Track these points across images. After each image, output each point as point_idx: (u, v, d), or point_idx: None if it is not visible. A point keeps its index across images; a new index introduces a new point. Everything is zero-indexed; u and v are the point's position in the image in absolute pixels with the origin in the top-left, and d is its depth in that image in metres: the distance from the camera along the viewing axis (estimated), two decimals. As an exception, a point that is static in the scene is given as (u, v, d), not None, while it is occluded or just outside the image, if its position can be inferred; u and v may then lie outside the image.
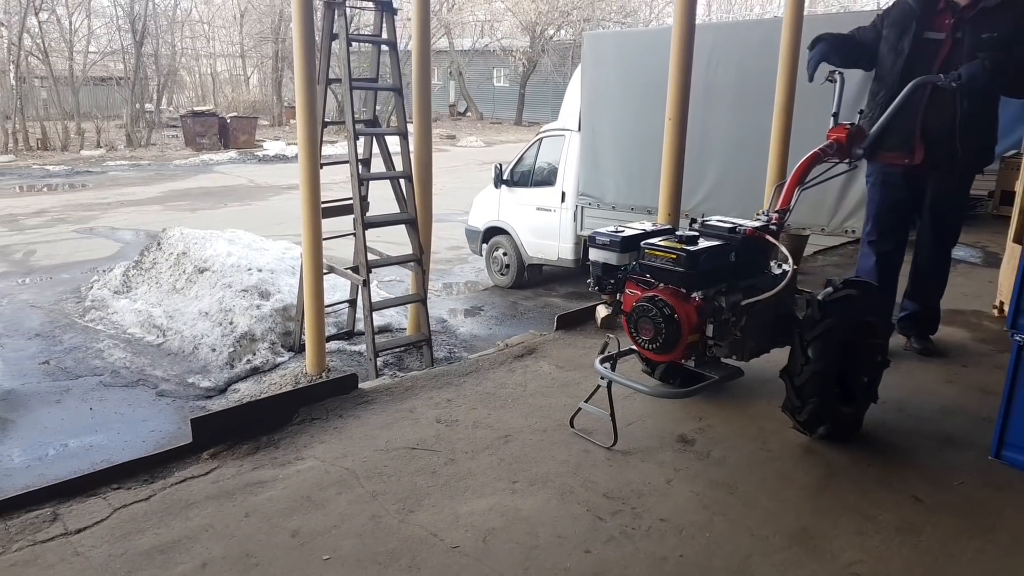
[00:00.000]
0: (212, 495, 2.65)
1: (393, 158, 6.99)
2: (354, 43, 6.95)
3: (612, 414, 3.15)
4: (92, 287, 8.50)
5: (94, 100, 24.92)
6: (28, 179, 17.46)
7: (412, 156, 6.66)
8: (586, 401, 3.27)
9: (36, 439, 5.45)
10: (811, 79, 3.81)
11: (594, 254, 3.23)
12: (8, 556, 2.27)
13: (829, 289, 3.10)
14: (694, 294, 2.97)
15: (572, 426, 3.32)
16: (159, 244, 8.97)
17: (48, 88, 23.44)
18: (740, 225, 3.13)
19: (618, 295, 3.23)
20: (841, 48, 3.82)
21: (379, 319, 8.06)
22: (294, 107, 6.52)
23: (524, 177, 9.87)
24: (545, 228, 9.67)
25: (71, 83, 23.26)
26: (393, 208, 7.03)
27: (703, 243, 3.02)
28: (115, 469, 2.70)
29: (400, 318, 8.17)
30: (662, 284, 3.03)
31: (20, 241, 10.81)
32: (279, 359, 7.42)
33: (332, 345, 7.25)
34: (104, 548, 2.32)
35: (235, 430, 2.99)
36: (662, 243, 3.02)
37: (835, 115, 3.59)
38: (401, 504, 2.69)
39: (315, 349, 6.27)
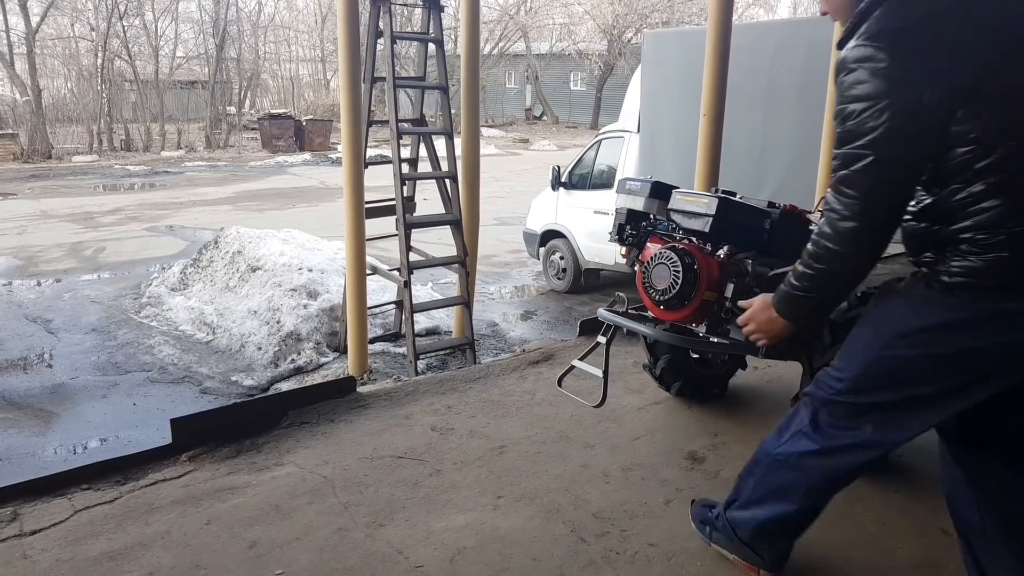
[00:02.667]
0: (178, 500, 2.58)
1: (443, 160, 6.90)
2: (404, 43, 6.91)
3: (606, 371, 2.95)
4: (151, 284, 8.73)
5: (179, 103, 25.96)
6: (109, 178, 18.25)
7: (459, 156, 6.56)
8: (581, 359, 3.06)
9: (77, 433, 5.57)
10: None
11: (620, 200, 3.10)
12: (-45, 556, 2.24)
13: (844, 306, 2.75)
14: (719, 250, 2.79)
15: (560, 386, 3.11)
16: (216, 243, 9.14)
17: (135, 91, 24.53)
18: (781, 203, 2.97)
19: (638, 250, 3.05)
20: None
21: (427, 321, 7.99)
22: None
23: (582, 180, 9.65)
24: (603, 232, 9.39)
25: (156, 86, 24.28)
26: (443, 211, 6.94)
27: (739, 200, 2.88)
28: (88, 468, 2.66)
29: (449, 321, 8.09)
30: (687, 240, 2.90)
31: (92, 238, 11.26)
32: (323, 359, 7.42)
33: (377, 347, 7.21)
34: (54, 552, 2.27)
35: (217, 432, 2.92)
36: (694, 191, 2.94)
37: None
38: (373, 517, 2.55)
39: (357, 350, 6.23)
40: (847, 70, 1.69)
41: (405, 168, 6.56)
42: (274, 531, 2.44)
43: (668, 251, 2.79)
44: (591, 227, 9.64)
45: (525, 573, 2.30)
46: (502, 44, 35.02)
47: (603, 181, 9.55)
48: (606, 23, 34.51)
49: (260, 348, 7.39)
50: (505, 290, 10.17)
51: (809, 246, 1.86)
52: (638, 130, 8.89)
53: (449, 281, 9.66)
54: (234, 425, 2.97)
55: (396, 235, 6.58)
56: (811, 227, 2.75)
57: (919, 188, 1.76)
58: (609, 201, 9.38)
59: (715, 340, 2.86)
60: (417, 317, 6.63)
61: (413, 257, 6.50)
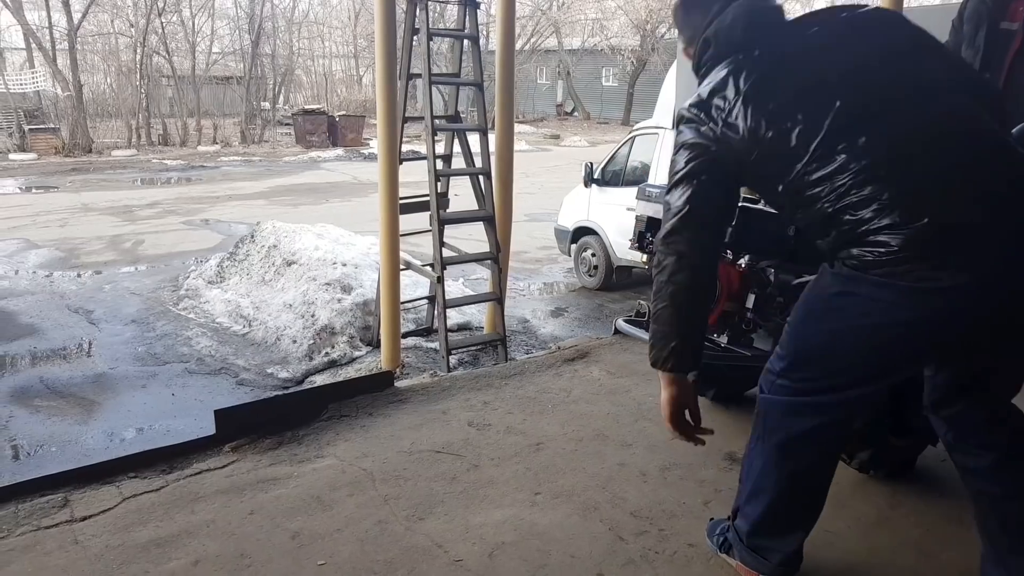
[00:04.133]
0: (223, 489, 2.62)
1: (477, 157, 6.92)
2: (436, 40, 6.93)
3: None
4: (188, 276, 8.87)
5: (214, 98, 26.34)
6: (146, 173, 18.56)
7: (493, 153, 6.57)
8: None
9: (118, 421, 5.68)
10: None
11: (641, 207, 3.05)
12: (9, 540, 2.31)
13: None
14: (740, 259, 2.70)
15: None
16: (252, 237, 9.26)
17: (172, 87, 24.92)
18: None
19: None
20: None
21: (459, 317, 8.01)
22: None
23: (615, 176, 9.61)
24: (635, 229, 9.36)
25: (193, 82, 24.65)
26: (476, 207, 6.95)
27: (760, 206, 2.76)
28: (135, 457, 2.72)
29: (481, 316, 8.11)
30: None
31: (131, 231, 11.47)
32: (356, 353, 7.49)
33: (409, 341, 7.26)
34: (103, 538, 2.32)
35: (260, 424, 2.96)
36: None
37: None
38: (412, 510, 2.57)
39: (390, 345, 6.27)
40: None
41: (439, 164, 6.59)
42: (315, 522, 2.48)
43: None
44: (623, 224, 9.58)
45: (564, 570, 2.31)
46: (534, 40, 34.92)
47: (636, 178, 9.49)
48: (639, 18, 34.26)
49: (295, 341, 7.47)
50: (536, 287, 10.17)
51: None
52: (673, 126, 8.81)
53: (480, 277, 9.69)
54: (276, 417, 3.01)
55: (429, 231, 6.62)
56: None
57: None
58: (643, 198, 9.35)
59: (726, 348, 2.81)
60: (449, 312, 6.66)
61: (446, 253, 6.52)
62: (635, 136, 9.60)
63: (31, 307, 7.95)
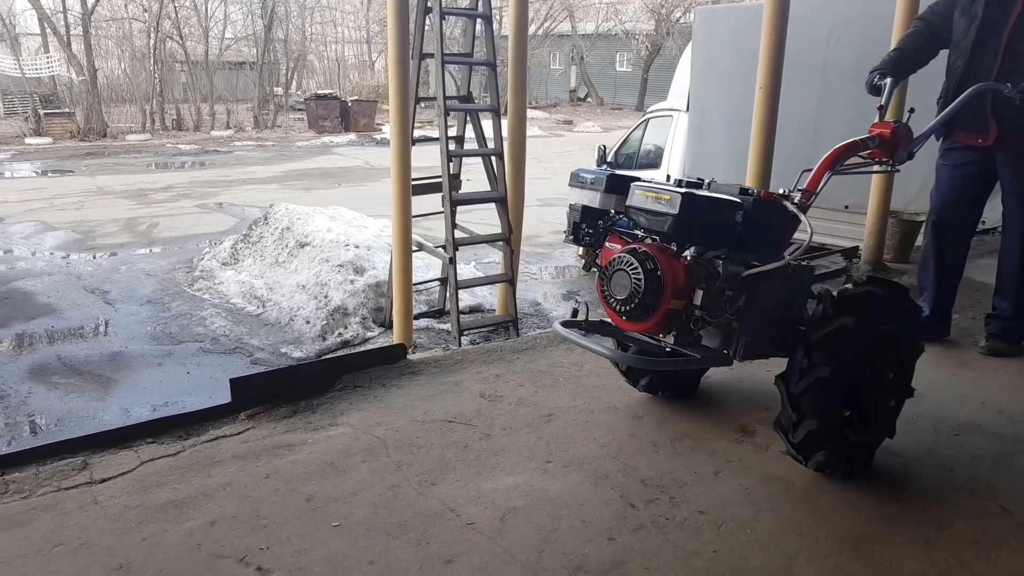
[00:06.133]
0: (238, 455, 2.67)
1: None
2: (452, 24, 6.92)
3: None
4: (203, 258, 8.94)
5: (228, 83, 26.40)
6: (161, 157, 18.69)
7: (505, 134, 6.57)
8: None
9: (135, 398, 5.75)
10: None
11: (574, 195, 2.74)
12: (31, 500, 2.36)
13: (848, 285, 2.62)
14: (686, 251, 2.47)
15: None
16: (266, 219, 9.31)
17: (186, 72, 25.00)
18: (755, 189, 2.63)
19: (597, 251, 2.74)
20: (901, 68, 3.68)
21: (470, 299, 8.04)
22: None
23: (628, 159, 9.59)
24: None
25: (206, 67, 24.72)
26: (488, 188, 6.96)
27: (706, 192, 2.57)
28: (152, 423, 2.77)
29: (492, 299, 8.13)
30: (650, 239, 2.57)
31: (146, 214, 11.56)
32: (369, 334, 7.54)
33: (421, 323, 7.30)
34: (122, 499, 2.37)
35: (274, 393, 3.00)
36: (654, 184, 2.54)
37: (882, 109, 3.19)
38: (424, 476, 2.61)
39: (402, 325, 6.30)
40: None
41: (451, 146, 6.60)
42: (330, 486, 2.51)
43: (628, 255, 2.47)
44: (636, 207, 9.55)
45: (575, 534, 2.33)
46: (547, 24, 34.71)
47: (650, 161, 9.46)
48: (654, 3, 33.98)
49: (308, 322, 7.52)
50: (547, 270, 10.17)
51: None
52: (687, 109, 8.77)
53: (491, 261, 9.70)
54: (290, 386, 3.05)
55: (439, 213, 6.63)
56: (789, 213, 2.56)
57: None
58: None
59: (673, 359, 2.58)
60: (461, 295, 6.68)
61: (458, 234, 6.54)
62: (649, 119, 9.56)
63: (48, 287, 8.04)
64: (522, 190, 6.74)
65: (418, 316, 7.06)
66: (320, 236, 8.70)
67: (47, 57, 23.42)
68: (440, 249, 6.88)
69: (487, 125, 6.87)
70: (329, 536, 2.26)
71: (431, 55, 6.62)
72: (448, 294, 7.02)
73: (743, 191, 2.58)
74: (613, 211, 2.70)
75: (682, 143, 8.77)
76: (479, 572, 2.15)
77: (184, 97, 24.51)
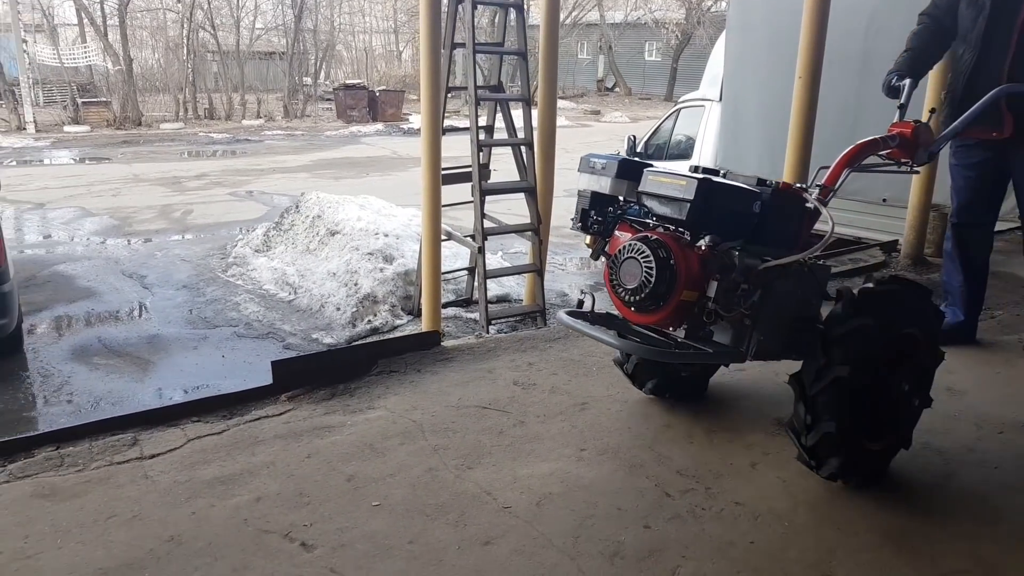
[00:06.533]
0: (281, 435, 2.73)
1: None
2: (480, 14, 6.93)
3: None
4: (236, 245, 9.07)
5: (258, 73, 26.67)
6: (193, 145, 18.99)
7: (535, 124, 6.57)
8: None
9: (172, 380, 5.88)
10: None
11: (583, 181, 2.64)
12: (85, 473, 2.44)
13: (869, 284, 2.53)
14: (700, 241, 2.36)
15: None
16: (297, 207, 9.42)
17: (217, 62, 25.28)
18: (773, 180, 2.52)
19: (605, 240, 2.62)
20: (918, 67, 3.54)
21: (498, 288, 8.07)
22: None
23: (658, 150, 9.54)
24: None
25: (237, 57, 24.98)
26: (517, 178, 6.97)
27: (724, 180, 2.45)
28: (198, 403, 2.84)
29: (520, 290, 8.16)
30: (662, 228, 2.46)
31: (180, 201, 11.74)
32: (398, 321, 7.61)
33: (449, 311, 7.35)
34: (171, 474, 2.44)
35: (314, 375, 3.06)
36: (671, 169, 2.43)
37: (902, 107, 3.10)
38: (461, 460, 2.65)
39: (430, 313, 6.33)
40: None
41: (481, 135, 6.62)
42: (369, 467, 2.57)
43: (639, 243, 2.35)
44: (665, 199, 9.50)
45: (610, 521, 2.36)
46: (575, 13, 34.46)
47: (681, 151, 9.40)
48: (685, -10, 33.63)
49: (339, 308, 7.61)
50: (573, 261, 10.17)
51: None
52: (720, 99, 8.69)
53: (519, 251, 9.73)
54: (329, 370, 3.11)
55: (467, 203, 6.67)
56: (807, 205, 2.47)
57: None
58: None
59: (685, 351, 2.44)
60: (489, 284, 6.71)
61: (487, 224, 6.58)
62: (680, 109, 9.49)
63: (88, 271, 8.21)
64: (551, 180, 6.75)
65: (446, 305, 7.11)
66: (350, 224, 8.78)
67: (84, 47, 23.79)
68: (469, 238, 6.92)
69: (516, 115, 6.89)
70: (370, 515, 2.31)
71: (462, 44, 6.64)
72: (476, 283, 7.06)
73: (761, 182, 2.48)
74: (623, 198, 2.58)
75: (714, 134, 8.70)
76: (516, 554, 2.18)
77: (215, 86, 24.79)
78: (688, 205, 2.28)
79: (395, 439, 2.76)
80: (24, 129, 19.49)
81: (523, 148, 6.66)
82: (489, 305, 6.56)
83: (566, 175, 6.74)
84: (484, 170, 6.60)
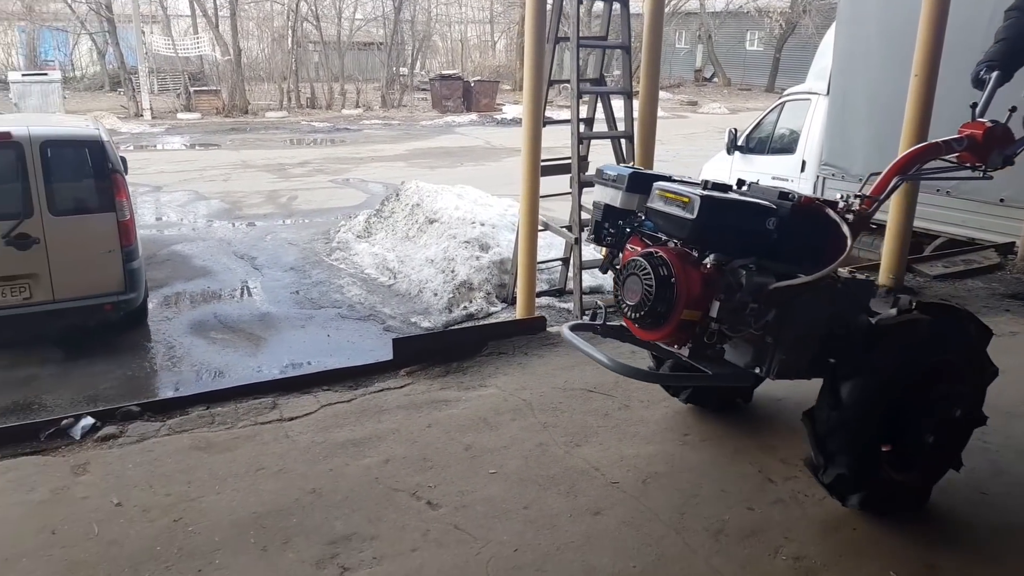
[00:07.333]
0: (403, 405, 2.95)
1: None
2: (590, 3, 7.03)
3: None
4: (339, 230, 9.49)
5: (357, 63, 27.48)
6: (296, 133, 19.82)
7: (636, 117, 6.64)
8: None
9: (282, 355, 6.25)
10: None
11: (597, 192, 2.58)
12: (235, 430, 2.72)
13: (892, 311, 2.37)
14: (706, 259, 2.27)
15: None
16: (397, 195, 9.76)
17: (319, 52, 26.18)
18: (798, 193, 2.39)
19: (614, 253, 2.58)
20: (1013, 60, 3.15)
21: (591, 280, 8.17)
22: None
23: (761, 144, 9.38)
24: None
25: (338, 47, 25.81)
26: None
27: (732, 195, 2.34)
28: (327, 374, 3.09)
29: (611, 280, 8.24)
30: (672, 243, 2.37)
31: (286, 187, 12.33)
32: (492, 309, 7.81)
33: (542, 300, 7.51)
34: (309, 435, 2.69)
35: (430, 353, 3.27)
36: (677, 186, 2.34)
37: (975, 107, 2.84)
38: (569, 438, 2.80)
39: (525, 302, 6.50)
40: None
41: (581, 127, 6.73)
42: (484, 439, 2.75)
43: (642, 259, 2.29)
44: (766, 194, 9.34)
45: (715, 501, 2.47)
46: (675, 2, 33.91)
47: (784, 146, 9.23)
48: (791, -22, 32.60)
49: (436, 294, 7.87)
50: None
51: None
52: (828, 92, 8.49)
53: (612, 243, 9.79)
54: (443, 348, 3.31)
55: (563, 194, 6.79)
56: (833, 220, 2.31)
57: None
58: (790, 167, 9.12)
59: (681, 374, 2.38)
60: (583, 275, 6.83)
61: (584, 216, 6.68)
62: (785, 102, 9.30)
63: (203, 252, 8.76)
64: (651, 173, 6.79)
65: (540, 294, 7.26)
66: (448, 213, 9.04)
67: (196, 38, 25.03)
68: (565, 229, 7.05)
69: (617, 106, 6.95)
70: (487, 481, 2.49)
71: (566, 39, 6.76)
72: (571, 274, 7.18)
73: (783, 195, 2.38)
74: (638, 211, 2.49)
75: (820, 129, 8.52)
76: (625, 525, 2.32)
77: (316, 76, 25.66)
78: (690, 224, 2.21)
79: (507, 415, 2.94)
80: (141, 116, 20.73)
81: (623, 140, 6.74)
82: (583, 295, 6.68)
83: (659, 167, 6.79)
84: (583, 161, 6.71)
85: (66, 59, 28.41)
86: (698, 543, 2.25)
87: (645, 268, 2.27)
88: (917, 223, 5.59)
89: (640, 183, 2.46)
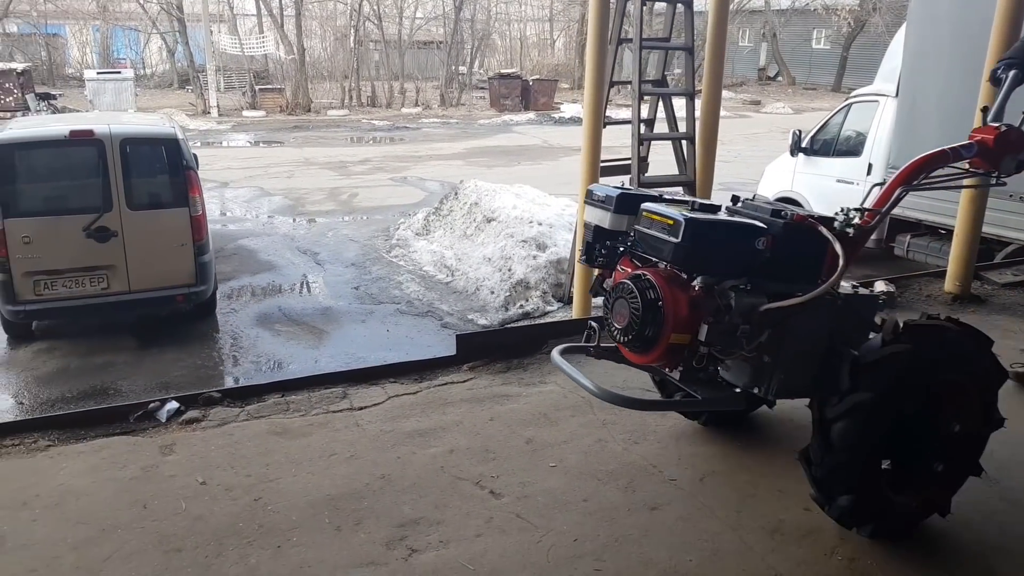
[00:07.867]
0: (466, 399, 3.06)
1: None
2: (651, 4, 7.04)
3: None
4: (398, 228, 9.69)
5: (416, 62, 27.86)
6: (357, 131, 20.25)
7: (697, 118, 6.63)
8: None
9: (343, 348, 6.45)
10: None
11: (587, 213, 2.56)
12: (308, 417, 2.87)
13: (876, 341, 2.28)
14: (695, 281, 2.24)
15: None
16: (456, 194, 9.92)
17: (380, 51, 26.62)
18: (791, 210, 2.35)
19: (604, 274, 2.57)
20: None
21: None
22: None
23: (826, 146, 9.23)
24: (844, 202, 8.95)
25: (399, 46, 26.21)
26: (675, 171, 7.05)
27: (718, 216, 2.30)
28: (394, 366, 3.23)
29: (668, 281, 8.24)
30: (663, 265, 2.31)
31: (347, 185, 12.63)
32: (548, 308, 7.89)
33: (598, 301, 7.56)
34: (378, 424, 2.82)
35: (492, 350, 3.37)
36: (663, 207, 2.29)
37: (986, 110, 2.74)
38: (627, 435, 2.87)
39: (581, 302, 6.55)
40: None
41: (642, 129, 6.75)
42: (545, 433, 2.84)
43: (630, 282, 2.26)
44: (830, 197, 9.19)
45: (771, 501, 2.51)
46: (739, 0, 33.37)
47: (850, 148, 9.07)
48: (862, -25, 31.75)
49: (493, 292, 7.98)
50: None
51: None
52: (897, 94, 8.32)
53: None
54: (505, 345, 3.41)
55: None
56: (826, 238, 2.28)
57: None
58: (855, 170, 8.95)
59: (665, 400, 2.37)
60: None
61: (644, 216, 6.71)
62: (852, 103, 9.13)
63: (267, 246, 9.05)
64: (711, 175, 6.76)
65: (597, 294, 7.32)
66: (506, 212, 9.14)
67: (261, 37, 25.71)
68: (624, 230, 7.09)
69: (678, 106, 6.94)
70: (548, 474, 2.59)
71: (629, 40, 6.79)
72: (628, 274, 7.23)
73: (775, 214, 2.34)
74: (628, 232, 2.45)
75: (888, 131, 8.36)
76: (682, 521, 2.38)
77: (377, 75, 26.10)
78: (673, 247, 2.18)
79: (566, 411, 3.03)
80: (208, 113, 21.41)
81: (684, 142, 6.73)
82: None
83: (722, 168, 6.76)
84: (643, 162, 6.74)
85: (137, 57, 29.53)
86: (754, 540, 2.31)
87: (632, 291, 2.24)
88: (987, 229, 5.47)
89: (628, 204, 2.44)
